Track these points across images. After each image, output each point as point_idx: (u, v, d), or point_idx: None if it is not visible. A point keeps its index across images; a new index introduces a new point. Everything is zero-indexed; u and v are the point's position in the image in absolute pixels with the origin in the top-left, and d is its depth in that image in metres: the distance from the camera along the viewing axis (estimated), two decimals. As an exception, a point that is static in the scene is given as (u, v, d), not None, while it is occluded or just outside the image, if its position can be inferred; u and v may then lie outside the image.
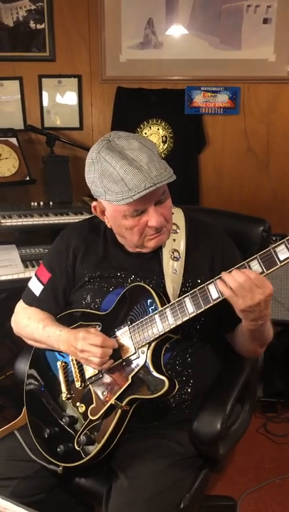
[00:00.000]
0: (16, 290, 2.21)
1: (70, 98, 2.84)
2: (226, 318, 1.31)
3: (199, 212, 1.46)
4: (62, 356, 1.41)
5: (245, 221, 1.57)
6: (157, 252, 1.36)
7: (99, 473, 1.34)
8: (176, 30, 2.72)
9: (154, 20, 2.70)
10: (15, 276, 2.21)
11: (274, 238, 2.03)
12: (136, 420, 1.29)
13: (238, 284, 1.09)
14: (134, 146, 1.22)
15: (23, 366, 1.56)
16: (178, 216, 1.41)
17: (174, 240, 1.36)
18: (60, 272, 1.44)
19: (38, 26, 2.71)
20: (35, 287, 1.46)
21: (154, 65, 2.77)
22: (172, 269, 1.33)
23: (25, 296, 1.50)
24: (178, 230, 1.38)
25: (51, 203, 2.54)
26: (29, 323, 1.44)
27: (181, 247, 1.36)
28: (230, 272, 1.12)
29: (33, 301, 1.47)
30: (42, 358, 1.47)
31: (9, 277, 2.22)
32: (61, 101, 2.85)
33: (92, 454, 1.26)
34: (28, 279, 2.21)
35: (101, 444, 1.25)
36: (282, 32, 2.66)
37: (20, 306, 1.51)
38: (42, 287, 1.45)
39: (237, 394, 1.40)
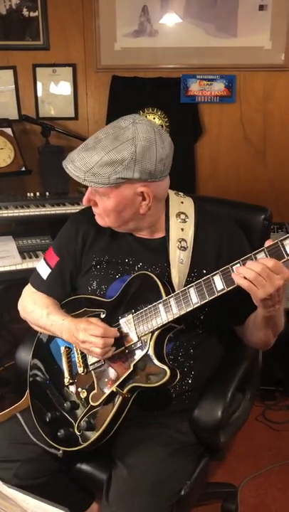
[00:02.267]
0: (14, 281, 2.22)
1: (65, 87, 2.82)
2: (234, 312, 1.32)
3: (202, 200, 1.45)
4: (66, 342, 1.42)
5: (247, 209, 1.57)
6: (165, 240, 1.36)
7: (99, 460, 1.35)
8: (172, 18, 2.69)
9: (149, 7, 2.67)
10: (12, 268, 2.20)
11: (271, 227, 2.03)
12: (136, 409, 1.29)
13: (255, 274, 1.07)
14: (104, 130, 1.26)
15: (24, 355, 1.57)
16: (187, 205, 1.40)
17: (182, 230, 1.35)
18: (68, 256, 1.45)
19: (32, 14, 2.67)
20: (43, 271, 1.47)
21: (149, 53, 2.74)
22: (179, 259, 1.32)
23: (32, 280, 1.51)
24: (187, 220, 1.37)
25: (47, 193, 2.52)
26: (34, 308, 1.45)
27: (189, 236, 1.35)
28: (241, 262, 1.11)
29: (40, 284, 1.48)
30: (46, 344, 1.48)
31: (7, 268, 2.21)
32: (56, 90, 2.82)
33: (91, 440, 1.27)
34: (26, 270, 2.24)
35: (101, 431, 1.26)
36: (278, 19, 2.65)
37: (28, 291, 1.52)
38: (50, 271, 1.46)
39: (238, 383, 1.41)
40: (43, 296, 1.47)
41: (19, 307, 1.52)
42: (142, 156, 1.22)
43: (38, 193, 2.51)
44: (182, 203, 1.39)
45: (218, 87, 2.76)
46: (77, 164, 1.24)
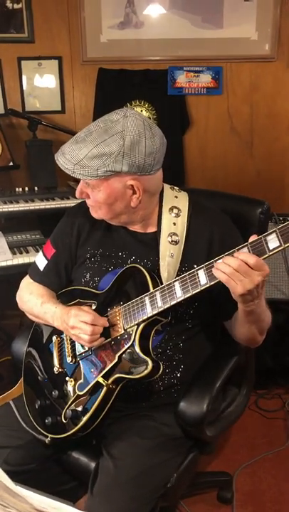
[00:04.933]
0: (5, 277, 2.21)
1: (51, 80, 2.78)
2: (223, 306, 1.33)
3: (198, 193, 1.45)
4: (59, 333, 1.45)
5: (244, 202, 1.57)
6: (157, 234, 1.37)
7: (89, 449, 1.37)
8: (157, 9, 2.67)
9: (135, -2, 2.65)
10: (3, 264, 2.19)
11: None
12: (124, 400, 1.32)
13: (232, 270, 1.08)
14: (96, 123, 1.27)
15: (19, 346, 1.61)
16: (182, 200, 1.41)
17: (174, 224, 1.36)
18: (63, 248, 1.48)
19: (15, 6, 2.63)
20: (40, 262, 1.51)
21: (135, 45, 2.73)
22: (169, 253, 1.33)
23: (30, 271, 1.55)
24: (180, 214, 1.38)
25: (36, 188, 2.51)
26: (30, 298, 1.48)
27: (181, 231, 1.36)
28: (220, 258, 1.12)
29: (37, 275, 1.51)
30: (40, 334, 1.52)
31: (-3, 265, 2.19)
32: (42, 83, 2.79)
33: (76, 428, 1.29)
34: (17, 266, 2.22)
35: (85, 419, 1.28)
36: (263, 9, 2.65)
37: (25, 282, 1.55)
38: (46, 262, 1.50)
39: (226, 377, 1.41)
40: (40, 286, 1.50)
41: (17, 297, 1.55)
42: (131, 150, 1.22)
43: (26, 188, 2.49)
44: (176, 197, 1.40)
45: (205, 79, 2.76)
46: (67, 157, 1.25)
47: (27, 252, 2.30)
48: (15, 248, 2.31)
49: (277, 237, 1.06)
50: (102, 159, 1.22)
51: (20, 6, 2.63)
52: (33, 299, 1.47)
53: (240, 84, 2.78)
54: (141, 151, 1.23)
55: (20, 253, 2.29)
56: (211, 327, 1.44)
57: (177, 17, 2.69)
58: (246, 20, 2.67)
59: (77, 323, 1.28)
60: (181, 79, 2.77)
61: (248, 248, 1.09)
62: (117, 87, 2.77)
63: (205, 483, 1.91)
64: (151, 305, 1.24)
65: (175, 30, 2.70)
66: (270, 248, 1.07)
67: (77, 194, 1.34)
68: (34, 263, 1.54)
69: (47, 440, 1.34)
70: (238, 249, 1.11)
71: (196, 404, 1.30)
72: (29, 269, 1.56)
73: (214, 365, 1.42)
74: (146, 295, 1.26)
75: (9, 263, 2.21)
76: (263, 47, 2.71)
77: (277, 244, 1.06)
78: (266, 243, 1.07)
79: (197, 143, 2.88)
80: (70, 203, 2.42)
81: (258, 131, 2.84)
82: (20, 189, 2.49)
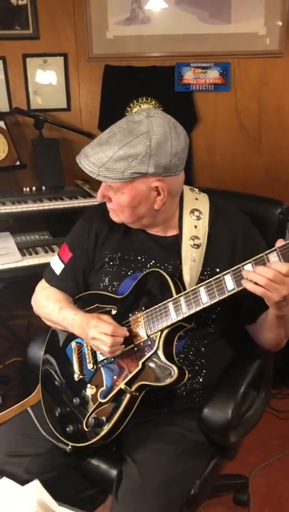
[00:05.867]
0: (15, 279, 2.18)
1: (57, 78, 2.74)
2: (246, 311, 1.30)
3: (215, 194, 1.42)
4: (78, 338, 1.42)
5: (262, 202, 1.55)
6: (178, 238, 1.34)
7: (109, 456, 1.35)
8: (164, 5, 2.63)
9: (141, -7, 2.61)
10: (13, 265, 2.16)
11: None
12: (145, 406, 1.29)
13: (267, 280, 1.05)
14: (118, 124, 1.24)
15: (35, 351, 1.58)
16: (202, 202, 1.38)
17: (196, 227, 1.33)
18: (81, 252, 1.44)
19: (20, 2, 2.59)
20: (57, 266, 1.47)
21: (142, 42, 2.68)
22: (191, 257, 1.30)
23: (46, 275, 1.51)
24: (201, 216, 1.35)
25: (43, 187, 2.48)
26: (47, 303, 1.45)
27: (203, 234, 1.33)
28: (252, 262, 1.08)
29: (53, 279, 1.48)
30: (58, 340, 1.49)
31: (6, 266, 2.16)
32: (47, 81, 2.75)
33: (99, 436, 1.27)
34: (26, 267, 2.19)
35: (109, 427, 1.25)
36: (272, 4, 2.61)
37: (41, 286, 1.52)
38: (63, 266, 1.46)
39: (249, 381, 1.39)
40: (56, 291, 1.47)
41: (32, 302, 1.52)
42: (157, 150, 1.19)
43: (34, 188, 2.46)
44: (197, 199, 1.37)
45: (213, 75, 2.72)
46: (91, 159, 1.21)
47: (36, 253, 2.27)
48: (24, 249, 2.28)
49: None
50: (128, 161, 1.19)
51: (24, 2, 2.59)
52: (51, 305, 1.43)
53: (248, 80, 2.74)
54: (167, 151, 1.20)
55: (30, 254, 2.26)
56: (232, 331, 1.41)
57: (184, 12, 2.65)
58: (254, 15, 2.63)
59: (98, 335, 1.25)
60: (189, 75, 2.73)
61: (277, 253, 1.06)
62: (123, 84, 2.73)
63: (221, 486, 1.89)
64: (176, 311, 1.21)
65: (182, 26, 2.66)
66: None
67: (98, 197, 1.31)
68: (49, 267, 1.50)
69: (68, 448, 1.32)
70: (266, 254, 1.08)
71: (221, 410, 1.28)
72: (44, 273, 1.52)
73: (237, 369, 1.40)
74: (170, 300, 1.23)
75: (19, 264, 2.18)
76: (271, 42, 2.67)
77: None
78: None
79: (205, 140, 2.84)
80: (79, 202, 2.40)
81: (265, 127, 2.81)
82: (28, 189, 2.45)
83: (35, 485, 1.01)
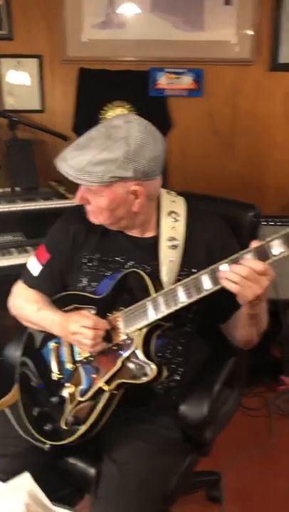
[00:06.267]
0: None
1: (31, 79, 2.74)
2: (220, 310, 1.34)
3: (191, 197, 1.46)
4: (55, 338, 1.43)
5: (236, 206, 1.60)
6: (156, 239, 1.37)
7: (87, 455, 1.36)
8: (138, 10, 2.67)
9: (116, -1, 2.64)
10: (-13, 267, 2.15)
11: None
12: (123, 405, 1.31)
13: (240, 278, 1.09)
14: (97, 128, 1.26)
15: (12, 352, 1.58)
16: (179, 204, 1.42)
17: (173, 228, 1.37)
18: (58, 253, 1.45)
19: (-6, 3, 2.58)
20: (34, 268, 1.48)
21: (116, 46, 2.71)
22: (169, 257, 1.33)
23: (23, 277, 1.51)
24: (178, 218, 1.38)
25: (17, 189, 2.47)
26: (25, 304, 1.45)
27: (180, 235, 1.36)
28: (229, 262, 1.13)
29: (30, 280, 1.48)
30: (34, 341, 1.49)
31: (-20, 267, 2.15)
32: (21, 82, 2.74)
33: (77, 435, 1.28)
34: (2, 269, 2.18)
35: (87, 425, 1.27)
36: (243, 14, 2.68)
37: (18, 288, 1.52)
38: (40, 268, 1.46)
39: (224, 379, 1.43)
40: (34, 292, 1.47)
41: (10, 304, 1.52)
42: (135, 155, 1.22)
43: (7, 189, 2.45)
44: (174, 201, 1.41)
45: (186, 81, 2.77)
46: (70, 163, 1.23)
47: (10, 254, 2.26)
48: (-3, 250, 2.27)
49: (282, 242, 1.08)
50: (107, 165, 1.21)
51: (-1, 2, 2.57)
52: (28, 306, 1.44)
53: (220, 86, 2.81)
54: (145, 156, 1.23)
55: (3, 255, 2.25)
56: (208, 330, 1.45)
57: (158, 18, 2.69)
58: (226, 23, 2.70)
59: (79, 329, 1.27)
60: (162, 80, 2.78)
61: (252, 253, 1.11)
62: (98, 87, 2.75)
63: (194, 483, 1.93)
64: (155, 310, 1.24)
65: (156, 32, 2.70)
66: (274, 254, 1.09)
67: (77, 200, 1.33)
68: (26, 269, 1.51)
69: (46, 447, 1.32)
70: (241, 255, 1.12)
71: (197, 406, 1.32)
72: (22, 274, 1.52)
73: (213, 367, 1.44)
74: (149, 300, 1.26)
75: (-6, 266, 2.16)
76: (242, 50, 2.74)
77: (282, 249, 1.08)
78: (269, 248, 1.10)
79: (178, 145, 2.89)
80: (53, 203, 2.40)
81: (239, 133, 2.88)
82: (1, 190, 2.44)
83: (26, 477, 1.02)
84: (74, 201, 1.35)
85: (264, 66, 2.78)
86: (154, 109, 2.81)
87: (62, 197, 2.44)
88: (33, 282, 1.48)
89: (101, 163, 1.21)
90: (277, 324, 2.54)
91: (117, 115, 1.30)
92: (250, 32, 2.71)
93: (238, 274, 1.09)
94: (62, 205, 2.37)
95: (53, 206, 2.38)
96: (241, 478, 2.01)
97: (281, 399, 2.45)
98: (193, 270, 1.32)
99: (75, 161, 1.23)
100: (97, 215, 1.34)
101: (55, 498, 1.44)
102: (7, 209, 2.32)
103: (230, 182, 2.90)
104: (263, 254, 1.10)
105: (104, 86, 2.76)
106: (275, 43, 2.72)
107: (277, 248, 1.08)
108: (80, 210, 1.41)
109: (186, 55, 2.74)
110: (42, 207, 2.37)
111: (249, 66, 2.77)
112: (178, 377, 1.39)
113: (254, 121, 2.87)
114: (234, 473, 2.03)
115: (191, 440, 1.39)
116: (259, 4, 2.66)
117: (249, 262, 1.10)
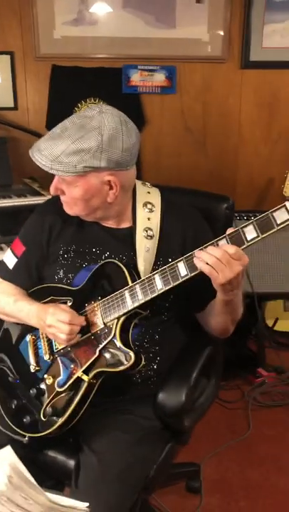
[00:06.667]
0: None
1: (3, 76, 2.72)
2: (196, 298, 1.36)
3: (166, 189, 1.48)
4: (33, 331, 1.43)
5: (210, 198, 1.62)
6: (132, 229, 1.38)
7: (66, 447, 1.36)
8: (111, 8, 2.68)
9: (88, -4, 2.64)
10: None
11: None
12: (101, 395, 1.32)
13: (215, 260, 1.12)
14: (71, 118, 1.26)
15: None
16: (154, 195, 1.43)
17: (149, 219, 1.38)
18: (34, 245, 1.44)
19: None
20: (9, 260, 1.47)
21: (89, 43, 2.72)
22: (145, 247, 1.34)
23: None
24: (153, 209, 1.40)
25: (-10, 186, 2.44)
26: (1, 297, 1.45)
27: (155, 225, 1.38)
28: (204, 248, 1.15)
29: (6, 274, 1.48)
30: (10, 336, 1.49)
31: None
32: (-7, 79, 2.72)
33: (56, 425, 1.28)
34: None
35: (66, 416, 1.27)
36: (214, 12, 2.72)
37: None
38: (16, 260, 1.46)
39: (201, 367, 1.44)
40: (10, 285, 1.47)
41: None
42: (109, 146, 1.23)
43: (-19, 186, 2.42)
44: (149, 192, 1.42)
45: (159, 78, 2.79)
46: (44, 153, 1.23)
47: (-12, 251, 2.24)
48: (-28, 247, 2.24)
49: (255, 228, 1.10)
50: (81, 155, 1.21)
51: None
52: (5, 298, 1.43)
53: (193, 84, 2.84)
54: (118, 146, 1.23)
55: (-22, 252, 2.22)
56: (184, 319, 1.46)
57: (131, 16, 2.71)
58: (198, 21, 2.74)
59: (55, 322, 1.27)
60: (136, 77, 2.79)
61: (226, 239, 1.13)
62: (71, 84, 2.75)
63: (173, 474, 1.94)
64: (132, 298, 1.25)
65: (129, 29, 2.72)
66: (248, 239, 1.12)
67: (51, 190, 1.33)
68: (2, 261, 1.50)
69: (24, 440, 1.32)
70: (216, 241, 1.14)
71: (175, 394, 1.33)
72: None
73: (189, 356, 1.45)
74: (126, 289, 1.26)
75: None
76: (214, 48, 2.78)
77: (255, 234, 1.11)
78: (244, 234, 1.12)
79: (152, 141, 2.91)
80: (28, 200, 2.39)
81: (210, 130, 2.92)
82: (-25, 187, 2.41)
83: (8, 450, 1.01)
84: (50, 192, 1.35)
85: (235, 64, 2.82)
86: (128, 106, 2.81)
87: (37, 193, 2.43)
88: (8, 275, 1.47)
89: (75, 153, 1.22)
90: (252, 317, 2.58)
91: (91, 106, 1.30)
92: (222, 30, 2.75)
93: (212, 255, 1.11)
94: (36, 202, 2.35)
95: (27, 203, 2.36)
96: (220, 470, 2.03)
97: (257, 391, 2.48)
98: (169, 259, 1.34)
99: (48, 151, 1.23)
100: (71, 206, 1.34)
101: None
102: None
103: (202, 178, 2.94)
104: (237, 240, 1.13)
105: (78, 83, 2.76)
106: (246, 41, 2.77)
107: (250, 234, 1.11)
108: (55, 202, 1.41)
109: (158, 53, 2.76)
110: (16, 204, 2.35)
111: (221, 64, 2.81)
112: (155, 366, 1.40)
113: (225, 118, 2.91)
114: (213, 464, 2.05)
115: (169, 429, 1.40)
116: (230, 2, 2.71)
117: (223, 245, 1.12)
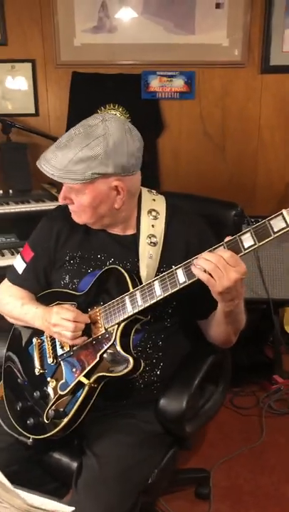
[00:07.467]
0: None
1: (25, 83, 2.78)
2: (199, 306, 1.36)
3: (173, 196, 1.49)
4: (39, 334, 1.46)
5: (217, 205, 1.62)
6: (136, 236, 1.40)
7: (69, 449, 1.39)
8: (130, 15, 2.71)
9: (108, 3, 2.68)
10: (-21, 267, 2.18)
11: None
12: (104, 399, 1.34)
13: (212, 266, 1.12)
14: (75, 128, 1.29)
15: None
16: (159, 203, 1.45)
17: (153, 226, 1.40)
18: (42, 251, 1.49)
19: (-12, 9, 2.62)
20: (19, 265, 1.52)
21: (109, 50, 2.75)
22: (148, 254, 1.36)
23: (9, 274, 1.55)
24: (158, 216, 1.42)
25: (11, 191, 2.50)
26: (10, 300, 1.49)
27: (159, 233, 1.39)
28: (197, 257, 1.16)
29: (15, 278, 1.52)
30: (20, 337, 1.53)
31: (-28, 268, 2.18)
32: (15, 86, 2.78)
33: (58, 428, 1.31)
34: (-6, 269, 2.21)
35: (68, 419, 1.30)
36: (234, 16, 2.72)
37: (4, 285, 1.56)
38: (24, 265, 1.51)
39: (204, 375, 1.45)
40: (19, 289, 1.52)
41: None
42: (115, 151, 1.25)
43: (1, 191, 2.48)
44: (154, 200, 1.44)
45: (178, 84, 2.81)
46: (52, 163, 1.27)
47: (2, 255, 2.30)
48: (-10, 251, 2.30)
49: (252, 236, 1.10)
50: (88, 162, 1.25)
51: (-8, 8, 2.62)
52: (13, 301, 1.48)
53: (212, 89, 2.84)
54: (124, 151, 1.26)
55: (-5, 256, 2.28)
56: (188, 326, 1.47)
57: (150, 22, 2.73)
58: (217, 26, 2.74)
59: (59, 321, 1.30)
60: (155, 83, 2.81)
61: (223, 247, 1.14)
62: (91, 90, 2.79)
63: (183, 480, 1.95)
64: (132, 304, 1.27)
65: (148, 35, 2.75)
66: (245, 246, 1.12)
67: (60, 200, 1.36)
68: (12, 266, 1.55)
69: (29, 441, 1.35)
70: (213, 249, 1.15)
71: (176, 401, 1.34)
72: (7, 272, 1.56)
73: (193, 363, 1.46)
74: (127, 295, 1.28)
75: (-14, 266, 2.20)
76: (233, 53, 2.78)
77: (252, 242, 1.11)
78: (241, 242, 1.13)
79: (171, 147, 2.92)
80: (46, 205, 2.44)
81: (229, 135, 2.91)
82: (-5, 192, 2.48)
83: None
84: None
85: (255, 68, 2.81)
86: (147, 111, 2.85)
87: (55, 199, 2.48)
88: (18, 280, 1.52)
89: (82, 161, 1.25)
90: (269, 324, 2.55)
91: (94, 115, 1.33)
92: (241, 35, 2.74)
93: (207, 260, 1.12)
94: (54, 207, 2.39)
95: (46, 208, 2.42)
96: (230, 477, 2.02)
97: (272, 398, 2.46)
98: (173, 267, 1.34)
99: (56, 160, 1.26)
100: (80, 215, 1.37)
101: (41, 492, 1.48)
102: (1, 211, 2.35)
103: (221, 183, 2.93)
104: (234, 248, 1.13)
105: (97, 89, 2.80)
106: (266, 45, 2.75)
107: (247, 242, 1.11)
108: (64, 209, 1.45)
109: (177, 58, 2.78)
110: (34, 209, 2.41)
111: (240, 68, 2.80)
112: (158, 372, 1.41)
113: (244, 123, 2.90)
114: (224, 471, 2.04)
115: (171, 434, 1.41)
116: (249, 7, 2.70)
117: (219, 250, 1.14)
